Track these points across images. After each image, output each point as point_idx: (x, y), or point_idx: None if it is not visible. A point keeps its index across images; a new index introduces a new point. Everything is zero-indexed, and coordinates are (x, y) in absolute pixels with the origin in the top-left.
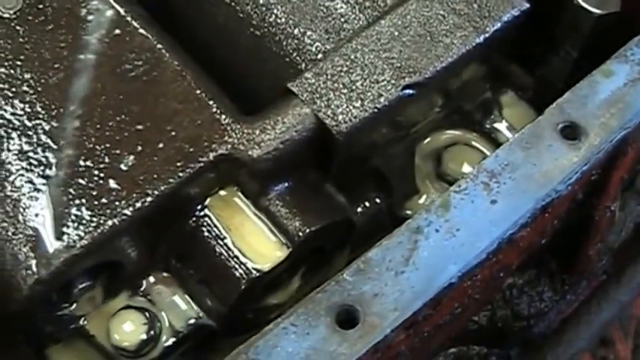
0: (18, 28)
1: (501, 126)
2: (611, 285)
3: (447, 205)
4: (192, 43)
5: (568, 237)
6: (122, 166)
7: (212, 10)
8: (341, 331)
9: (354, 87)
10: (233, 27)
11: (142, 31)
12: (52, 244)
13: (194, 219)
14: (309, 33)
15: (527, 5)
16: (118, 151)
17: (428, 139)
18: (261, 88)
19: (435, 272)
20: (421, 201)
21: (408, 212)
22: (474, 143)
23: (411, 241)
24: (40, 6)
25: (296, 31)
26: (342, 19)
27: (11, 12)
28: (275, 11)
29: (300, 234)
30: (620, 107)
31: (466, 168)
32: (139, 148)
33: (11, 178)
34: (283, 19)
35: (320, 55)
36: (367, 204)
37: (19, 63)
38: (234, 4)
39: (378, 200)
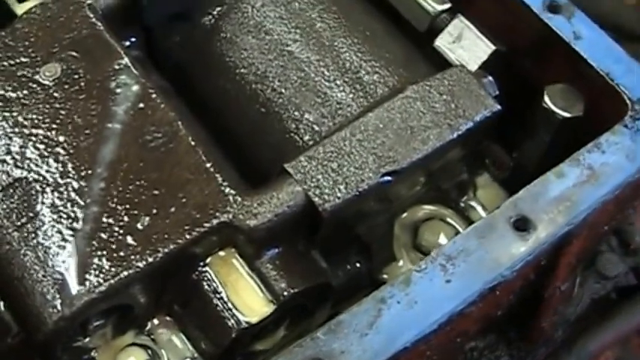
0: (55, 95)
1: (475, 205)
2: (562, 354)
3: (408, 281)
4: (206, 111)
5: (524, 309)
6: (139, 225)
7: (225, 85)
8: None
9: (340, 171)
10: (243, 101)
11: (162, 105)
12: (75, 288)
13: (196, 273)
14: (307, 115)
15: (499, 107)
16: (135, 212)
17: (407, 213)
18: (264, 157)
19: (393, 336)
20: (397, 268)
21: (385, 276)
22: (448, 219)
23: (376, 309)
24: (75, 76)
25: (296, 113)
26: (338, 105)
27: (50, 80)
28: (280, 93)
29: (285, 294)
30: (568, 205)
31: (440, 241)
32: (154, 210)
33: (44, 228)
34: (286, 101)
35: (316, 136)
36: (349, 267)
37: (54, 126)
38: (244, 82)
39: (358, 264)
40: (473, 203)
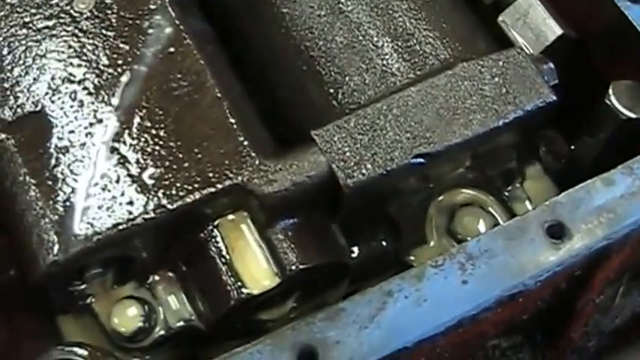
0: (85, 28)
1: (520, 196)
2: None
3: (421, 276)
4: (250, 60)
5: (554, 316)
6: (147, 177)
7: (273, 35)
8: None
9: (370, 147)
10: (288, 55)
11: (194, 52)
12: (73, 234)
13: (204, 233)
14: (348, 80)
15: (554, 98)
16: (146, 162)
17: (445, 195)
18: (301, 116)
19: (394, 334)
20: (426, 251)
21: (412, 258)
22: (489, 208)
23: (380, 301)
24: (108, 11)
25: (338, 76)
26: (383, 74)
27: (82, 11)
28: (324, 52)
29: (293, 268)
30: (611, 217)
31: (476, 230)
32: (166, 163)
33: (51, 166)
34: (330, 62)
35: (354, 103)
36: (373, 244)
37: (77, 62)
38: (291, 35)
39: (384, 243)
40: (518, 194)
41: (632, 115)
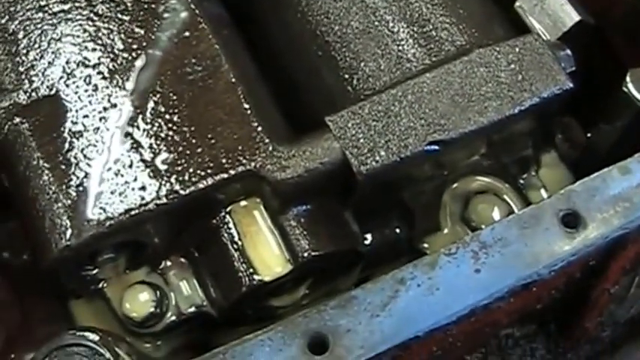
0: (100, 12)
1: (535, 184)
2: (605, 356)
3: (434, 264)
4: (266, 44)
5: (568, 306)
6: (160, 162)
7: (289, 19)
8: (310, 355)
9: (384, 133)
10: (304, 39)
11: (209, 37)
12: (85, 218)
13: (217, 219)
14: (363, 65)
15: (570, 85)
16: (159, 147)
17: (460, 182)
18: (317, 101)
19: (406, 322)
20: (440, 239)
21: (425, 246)
22: (504, 195)
23: (393, 289)
24: None
25: (353, 62)
26: (398, 59)
27: None
28: (340, 37)
29: (306, 255)
30: (627, 206)
31: (491, 218)
32: (180, 148)
33: (64, 150)
34: (345, 47)
35: (369, 89)
36: (387, 231)
37: (92, 45)
38: (307, 19)
39: (398, 230)
40: (534, 182)
41: None
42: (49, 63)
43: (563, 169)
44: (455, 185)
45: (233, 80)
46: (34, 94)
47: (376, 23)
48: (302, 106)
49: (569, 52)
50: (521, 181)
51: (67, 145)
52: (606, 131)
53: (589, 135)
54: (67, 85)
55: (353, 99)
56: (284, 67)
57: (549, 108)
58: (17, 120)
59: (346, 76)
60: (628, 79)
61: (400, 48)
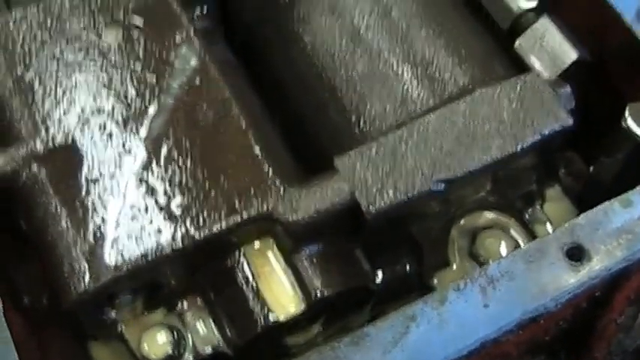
0: (112, 61)
1: (541, 218)
2: None
3: (444, 300)
4: (273, 83)
5: (576, 336)
6: (174, 207)
7: (296, 59)
8: None
9: (391, 174)
10: (310, 79)
11: (220, 83)
12: (103, 263)
13: (231, 260)
14: (369, 107)
15: (571, 122)
16: (173, 192)
17: (467, 218)
18: (324, 140)
19: (418, 358)
20: (449, 274)
21: (435, 281)
22: (510, 230)
23: (404, 325)
24: (136, 44)
25: (359, 103)
26: (403, 101)
27: (110, 44)
28: (345, 79)
29: (319, 294)
30: (629, 238)
31: (498, 252)
32: (193, 192)
33: (81, 197)
34: (351, 88)
35: (375, 130)
36: (397, 267)
37: (105, 94)
38: (314, 60)
39: (408, 266)
40: (539, 216)
41: None
42: (65, 111)
43: (567, 203)
44: (462, 221)
45: (243, 124)
46: (50, 142)
47: (380, 65)
48: (308, 139)
49: (569, 89)
50: (527, 216)
51: (83, 191)
52: (608, 164)
53: (591, 168)
54: (83, 133)
55: (359, 138)
56: (290, 99)
57: (551, 144)
58: (35, 167)
59: (353, 116)
60: (627, 113)
61: (404, 89)
